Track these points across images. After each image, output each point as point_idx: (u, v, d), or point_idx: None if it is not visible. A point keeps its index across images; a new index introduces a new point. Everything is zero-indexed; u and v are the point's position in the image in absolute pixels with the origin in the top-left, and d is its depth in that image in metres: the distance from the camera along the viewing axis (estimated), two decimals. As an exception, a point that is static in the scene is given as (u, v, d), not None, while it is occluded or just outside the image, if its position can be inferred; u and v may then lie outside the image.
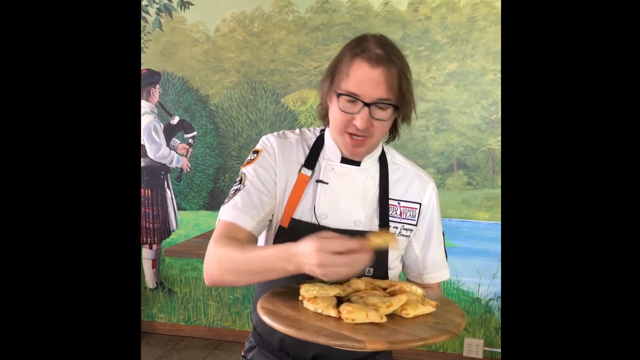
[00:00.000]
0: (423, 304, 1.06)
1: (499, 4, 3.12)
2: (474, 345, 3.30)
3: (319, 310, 1.02)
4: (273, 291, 1.11)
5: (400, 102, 1.14)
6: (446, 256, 1.34)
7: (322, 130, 1.29)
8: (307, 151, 1.25)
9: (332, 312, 1.01)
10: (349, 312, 0.99)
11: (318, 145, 1.26)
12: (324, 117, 1.24)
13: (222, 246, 1.12)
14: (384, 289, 1.13)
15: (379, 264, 1.21)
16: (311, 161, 1.24)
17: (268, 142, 1.25)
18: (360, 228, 1.21)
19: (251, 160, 1.24)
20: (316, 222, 1.20)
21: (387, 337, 0.94)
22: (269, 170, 1.22)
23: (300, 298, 1.07)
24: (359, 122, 1.12)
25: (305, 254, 0.96)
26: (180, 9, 3.55)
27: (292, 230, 1.19)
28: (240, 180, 1.22)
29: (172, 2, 3.55)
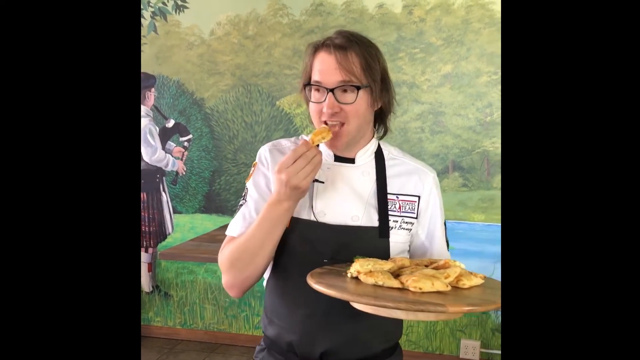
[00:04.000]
0: (474, 275, 1.09)
1: (493, 6, 3.13)
2: (470, 347, 3.30)
3: (380, 283, 1.03)
4: (313, 272, 1.11)
5: (370, 83, 1.19)
6: (448, 246, 1.36)
7: None
8: None
9: (395, 283, 1.03)
10: (415, 281, 1.01)
11: None
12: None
13: (224, 253, 1.25)
14: (426, 266, 1.14)
15: (381, 258, 1.22)
16: None
17: (262, 153, 1.32)
18: (358, 223, 1.24)
19: (250, 175, 1.32)
20: (315, 220, 1.23)
21: (465, 301, 0.97)
22: (265, 181, 1.29)
23: (349, 274, 1.08)
24: (325, 107, 1.18)
25: (278, 184, 1.13)
26: (175, 12, 3.55)
27: (293, 229, 1.22)
28: (244, 196, 1.31)
29: (167, 5, 3.55)
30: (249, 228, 1.21)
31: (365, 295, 0.96)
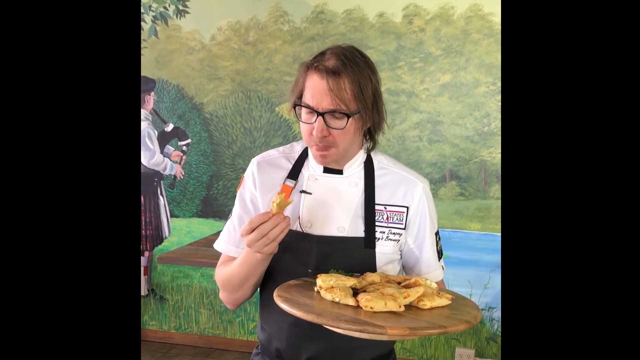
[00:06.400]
0: (439, 296, 1.08)
1: (492, 17, 3.15)
2: (465, 356, 3.30)
3: (337, 299, 1.04)
4: (288, 283, 1.15)
5: (361, 109, 1.18)
6: (440, 256, 1.37)
7: None
8: (291, 164, 1.31)
9: (350, 301, 1.04)
10: (367, 300, 1.01)
11: (303, 157, 1.32)
12: None
13: (217, 274, 1.32)
14: (399, 283, 1.15)
15: (368, 270, 1.23)
16: (294, 172, 1.30)
17: (250, 166, 1.34)
18: (344, 234, 1.25)
19: (239, 185, 1.36)
20: (301, 230, 1.25)
21: (407, 324, 0.96)
22: (250, 194, 1.32)
23: (316, 289, 1.10)
24: (315, 131, 1.18)
25: (246, 246, 1.16)
26: (176, 17, 3.56)
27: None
28: (234, 207, 1.35)
29: (168, 10, 3.57)
30: (233, 265, 1.25)
31: (311, 312, 0.98)
